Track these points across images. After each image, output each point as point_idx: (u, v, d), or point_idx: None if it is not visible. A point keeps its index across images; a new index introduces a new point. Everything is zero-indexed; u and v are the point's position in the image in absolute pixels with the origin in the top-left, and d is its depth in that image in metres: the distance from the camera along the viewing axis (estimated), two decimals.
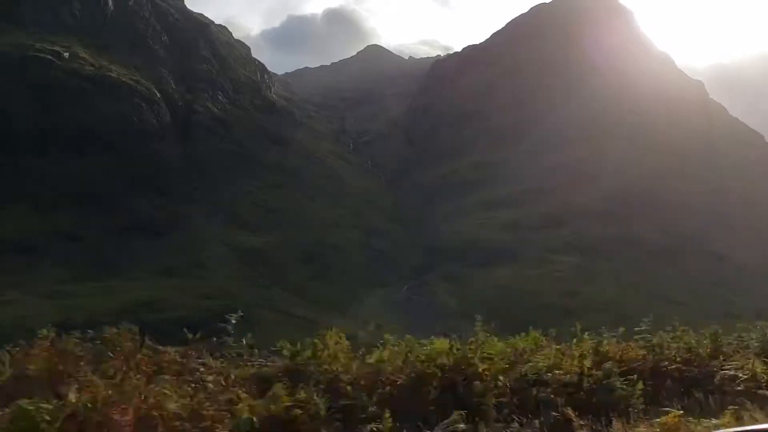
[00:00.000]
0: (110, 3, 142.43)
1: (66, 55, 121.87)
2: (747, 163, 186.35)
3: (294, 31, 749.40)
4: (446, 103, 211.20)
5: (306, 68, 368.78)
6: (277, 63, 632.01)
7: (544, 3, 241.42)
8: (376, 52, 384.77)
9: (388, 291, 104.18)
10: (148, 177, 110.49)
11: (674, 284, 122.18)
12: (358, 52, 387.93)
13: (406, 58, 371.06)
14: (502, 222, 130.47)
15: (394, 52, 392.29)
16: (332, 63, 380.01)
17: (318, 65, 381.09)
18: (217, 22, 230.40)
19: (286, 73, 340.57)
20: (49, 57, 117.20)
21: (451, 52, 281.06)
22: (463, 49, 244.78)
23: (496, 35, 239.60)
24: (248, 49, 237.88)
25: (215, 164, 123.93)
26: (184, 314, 69.78)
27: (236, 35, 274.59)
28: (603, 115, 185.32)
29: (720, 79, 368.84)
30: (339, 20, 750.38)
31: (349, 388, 8.01)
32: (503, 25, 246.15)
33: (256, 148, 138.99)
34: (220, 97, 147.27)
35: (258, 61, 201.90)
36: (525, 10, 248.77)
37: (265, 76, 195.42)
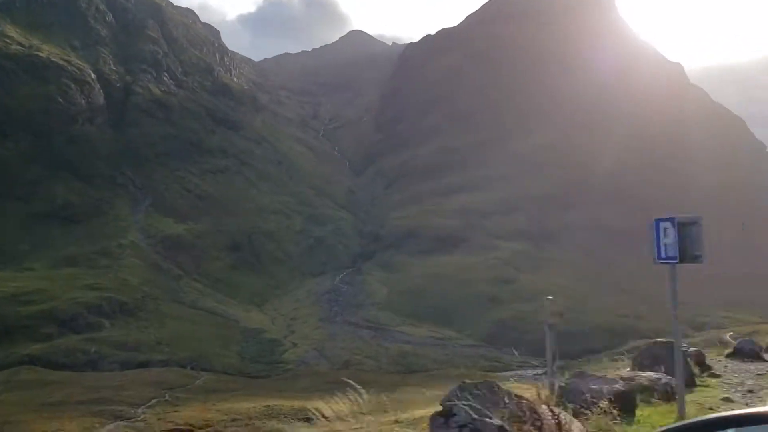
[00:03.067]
0: None
1: None
2: (724, 149, 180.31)
3: (271, 15, 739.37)
4: (415, 88, 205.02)
5: (286, 54, 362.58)
6: (258, 48, 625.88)
7: None
8: (358, 37, 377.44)
9: (320, 281, 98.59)
10: (70, 161, 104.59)
11: (633, 272, 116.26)
12: (340, 38, 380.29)
13: (390, 44, 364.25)
14: (452, 208, 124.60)
15: (377, 38, 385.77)
16: (313, 49, 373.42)
17: (299, 51, 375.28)
18: (190, 6, 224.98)
19: (266, 59, 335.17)
20: None
21: None
22: (437, 32, 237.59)
23: (469, 18, 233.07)
24: (217, 33, 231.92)
25: (149, 148, 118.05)
26: (54, 307, 64.48)
27: (211, 19, 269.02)
28: (573, 100, 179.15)
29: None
30: (317, 3, 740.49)
31: None
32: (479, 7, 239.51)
33: (199, 131, 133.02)
34: (165, 79, 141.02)
35: (219, 43, 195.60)
36: None
37: (225, 59, 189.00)
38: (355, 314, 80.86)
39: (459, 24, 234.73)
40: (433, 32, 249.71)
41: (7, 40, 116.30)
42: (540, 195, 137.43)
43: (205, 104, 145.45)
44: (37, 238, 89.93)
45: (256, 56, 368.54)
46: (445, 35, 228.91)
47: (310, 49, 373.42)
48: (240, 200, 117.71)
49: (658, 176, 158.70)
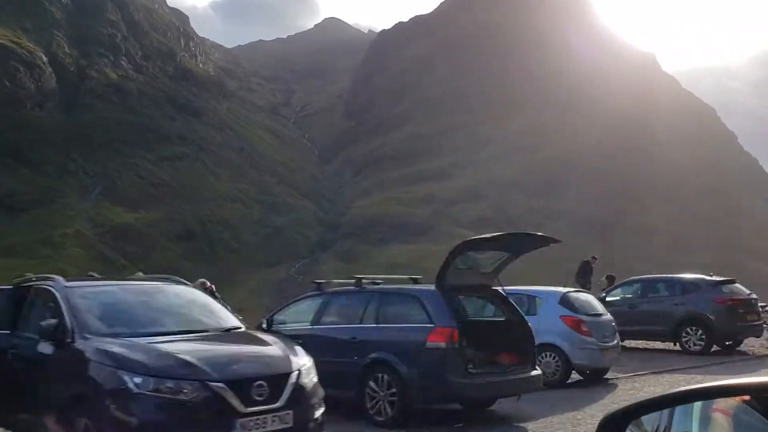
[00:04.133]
0: None
1: None
2: (694, 136, 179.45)
3: (243, 1, 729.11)
4: (386, 75, 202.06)
5: (260, 41, 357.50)
6: (231, 35, 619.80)
7: None
8: (334, 25, 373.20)
9: (275, 271, 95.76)
10: (18, 148, 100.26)
11: (600, 262, 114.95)
12: (315, 25, 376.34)
13: (366, 32, 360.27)
14: (418, 196, 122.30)
15: (353, 26, 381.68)
16: (288, 36, 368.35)
17: (274, 38, 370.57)
18: None
19: (239, 45, 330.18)
20: None
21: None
22: (410, 19, 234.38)
23: (443, 4, 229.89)
24: (185, 18, 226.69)
25: (102, 134, 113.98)
26: None
27: (181, 4, 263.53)
28: (546, 85, 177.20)
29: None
30: None
31: None
32: None
33: (157, 117, 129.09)
34: (123, 63, 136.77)
35: (186, 29, 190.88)
36: None
37: (191, 45, 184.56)
38: None
39: (433, 10, 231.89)
40: (406, 19, 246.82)
41: None
42: (507, 181, 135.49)
43: (166, 90, 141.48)
44: None
45: (230, 43, 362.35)
46: (418, 22, 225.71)
47: (284, 36, 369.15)
48: (197, 188, 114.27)
49: (629, 163, 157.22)
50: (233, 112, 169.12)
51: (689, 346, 17.68)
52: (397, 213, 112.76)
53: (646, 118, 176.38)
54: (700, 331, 17.63)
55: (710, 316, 17.48)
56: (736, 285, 18.93)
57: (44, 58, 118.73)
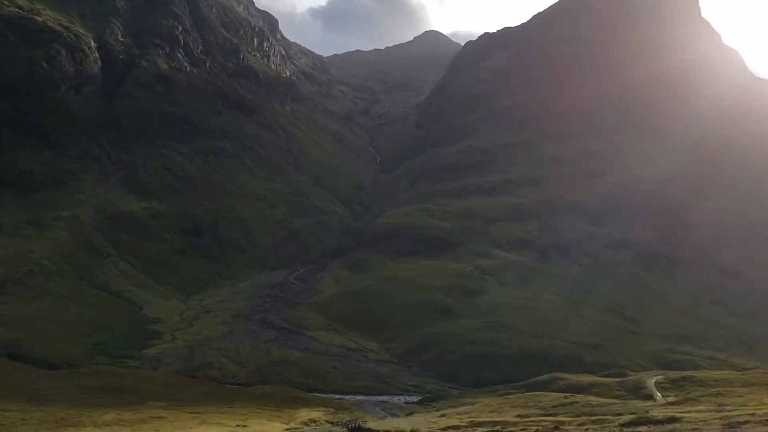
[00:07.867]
0: None
1: None
2: None
3: (341, 10, 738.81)
4: (461, 86, 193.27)
5: (358, 51, 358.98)
6: (330, 43, 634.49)
7: None
8: (432, 38, 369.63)
9: (276, 274, 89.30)
10: (41, 128, 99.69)
11: (649, 298, 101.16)
12: (414, 38, 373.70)
13: (463, 44, 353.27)
14: (452, 210, 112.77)
15: (450, 37, 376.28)
16: (386, 47, 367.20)
17: (372, 48, 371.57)
18: None
19: (336, 54, 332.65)
20: None
21: None
22: (497, 30, 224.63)
23: (535, 17, 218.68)
24: (275, 20, 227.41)
25: (137, 122, 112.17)
26: None
27: (277, 8, 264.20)
28: (626, 106, 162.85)
29: None
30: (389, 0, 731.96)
31: None
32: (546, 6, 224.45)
33: (202, 111, 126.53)
34: (178, 56, 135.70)
35: (261, 28, 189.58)
36: None
37: (264, 45, 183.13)
38: (280, 313, 71.20)
39: (525, 22, 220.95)
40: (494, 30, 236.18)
41: (5, 2, 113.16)
42: (564, 203, 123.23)
43: (220, 85, 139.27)
44: None
45: (327, 51, 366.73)
46: (503, 33, 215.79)
47: (382, 48, 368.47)
48: (225, 184, 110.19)
49: (714, 196, 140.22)
50: (297, 114, 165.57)
51: None
52: (424, 226, 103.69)
53: (746, 148, 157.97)
54: None
55: None
56: None
57: (92, 44, 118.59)
